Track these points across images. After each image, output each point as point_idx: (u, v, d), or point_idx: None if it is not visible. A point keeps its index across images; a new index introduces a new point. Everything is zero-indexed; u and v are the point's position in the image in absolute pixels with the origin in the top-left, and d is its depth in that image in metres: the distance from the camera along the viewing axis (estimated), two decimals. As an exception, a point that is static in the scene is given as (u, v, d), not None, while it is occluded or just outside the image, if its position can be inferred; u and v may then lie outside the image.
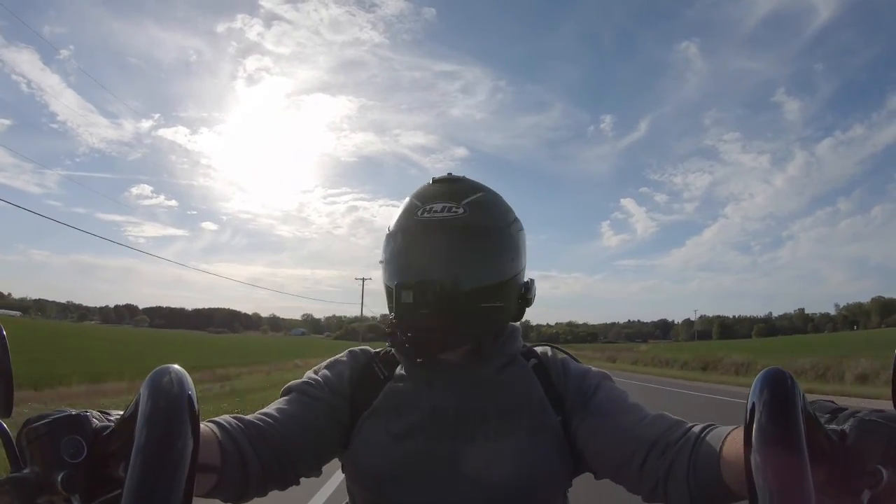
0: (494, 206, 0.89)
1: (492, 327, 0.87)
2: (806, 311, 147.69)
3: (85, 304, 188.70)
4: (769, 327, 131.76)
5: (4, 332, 0.57)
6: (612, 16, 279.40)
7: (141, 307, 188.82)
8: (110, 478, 0.47)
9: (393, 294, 0.82)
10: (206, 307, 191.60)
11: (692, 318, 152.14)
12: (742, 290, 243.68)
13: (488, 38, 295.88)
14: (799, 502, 0.36)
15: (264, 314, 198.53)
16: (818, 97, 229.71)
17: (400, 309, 0.81)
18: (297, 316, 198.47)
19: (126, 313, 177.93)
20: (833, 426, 0.47)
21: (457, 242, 0.83)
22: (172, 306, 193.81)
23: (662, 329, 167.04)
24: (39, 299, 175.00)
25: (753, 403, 0.41)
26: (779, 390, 0.41)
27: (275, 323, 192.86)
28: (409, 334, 0.81)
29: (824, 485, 0.44)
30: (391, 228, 0.89)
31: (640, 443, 0.74)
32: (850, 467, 0.44)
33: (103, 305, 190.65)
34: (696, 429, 0.70)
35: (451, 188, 0.88)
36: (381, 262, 0.90)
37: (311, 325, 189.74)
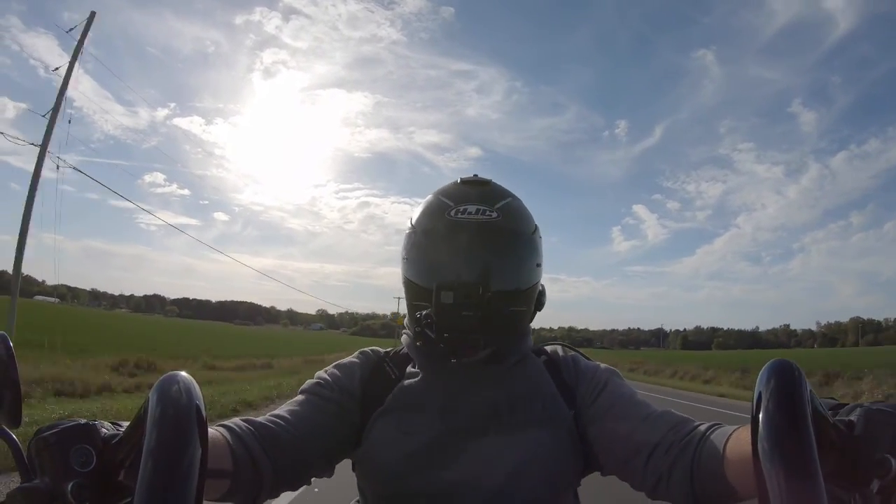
0: (522, 212, 0.89)
1: (515, 331, 0.89)
2: (791, 327, 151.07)
3: (95, 289, 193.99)
4: (756, 340, 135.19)
5: (11, 343, 0.56)
6: (629, 20, 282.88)
7: (167, 298, 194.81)
8: (120, 486, 0.47)
9: (432, 294, 0.80)
10: (229, 300, 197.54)
11: (666, 329, 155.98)
12: (751, 300, 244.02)
13: (505, 38, 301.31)
14: (808, 491, 0.36)
15: (279, 307, 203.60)
16: (834, 109, 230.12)
17: (440, 309, 0.79)
18: (309, 310, 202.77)
19: (156, 303, 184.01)
20: (841, 417, 0.47)
21: (494, 246, 0.83)
22: (199, 298, 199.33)
23: (658, 337, 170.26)
24: (73, 287, 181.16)
25: (760, 392, 0.41)
26: (786, 380, 0.41)
27: (292, 317, 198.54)
28: (445, 335, 0.80)
29: (833, 474, 0.44)
30: (416, 225, 0.88)
31: (646, 439, 0.74)
32: (858, 457, 0.44)
33: (129, 294, 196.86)
34: (702, 427, 0.70)
35: (482, 190, 0.87)
36: (404, 258, 0.89)
37: (325, 320, 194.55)
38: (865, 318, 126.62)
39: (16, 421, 0.55)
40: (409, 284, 0.87)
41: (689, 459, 0.68)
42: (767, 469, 0.37)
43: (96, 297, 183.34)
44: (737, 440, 0.62)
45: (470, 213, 0.83)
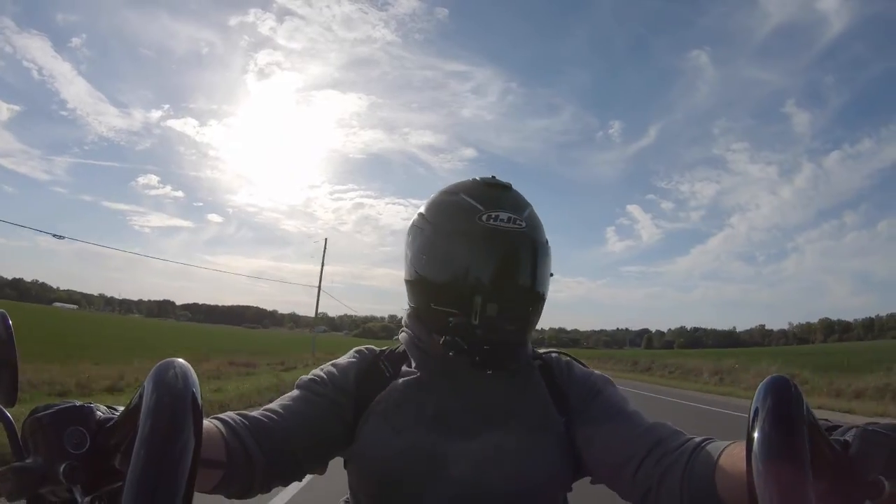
0: (540, 222, 0.86)
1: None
2: (766, 327, 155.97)
3: (103, 294, 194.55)
4: (733, 340, 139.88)
5: (10, 322, 0.54)
6: (624, 22, 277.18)
7: (176, 303, 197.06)
8: (113, 470, 0.46)
9: (470, 302, 0.78)
10: (237, 304, 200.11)
11: (651, 330, 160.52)
12: (745, 300, 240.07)
13: (501, 40, 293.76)
14: None
15: (281, 311, 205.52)
16: (828, 110, 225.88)
17: (485, 321, 0.78)
18: (309, 312, 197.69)
19: (167, 308, 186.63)
20: (836, 437, 0.46)
21: (526, 258, 0.82)
22: (208, 303, 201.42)
23: (642, 337, 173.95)
24: (86, 293, 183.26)
25: (757, 408, 0.40)
26: (783, 397, 0.40)
27: (296, 319, 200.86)
28: (486, 347, 0.79)
29: (826, 493, 0.44)
30: (435, 222, 0.84)
31: (636, 449, 0.73)
32: (852, 477, 0.43)
33: (137, 299, 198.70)
34: (695, 440, 0.69)
35: (510, 196, 0.85)
36: (421, 255, 0.84)
37: (326, 322, 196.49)
38: (840, 318, 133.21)
39: (11, 400, 0.54)
40: (426, 285, 0.83)
41: (679, 471, 0.66)
42: (760, 485, 0.37)
43: (108, 302, 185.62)
44: (729, 455, 0.61)
45: (503, 221, 0.80)
